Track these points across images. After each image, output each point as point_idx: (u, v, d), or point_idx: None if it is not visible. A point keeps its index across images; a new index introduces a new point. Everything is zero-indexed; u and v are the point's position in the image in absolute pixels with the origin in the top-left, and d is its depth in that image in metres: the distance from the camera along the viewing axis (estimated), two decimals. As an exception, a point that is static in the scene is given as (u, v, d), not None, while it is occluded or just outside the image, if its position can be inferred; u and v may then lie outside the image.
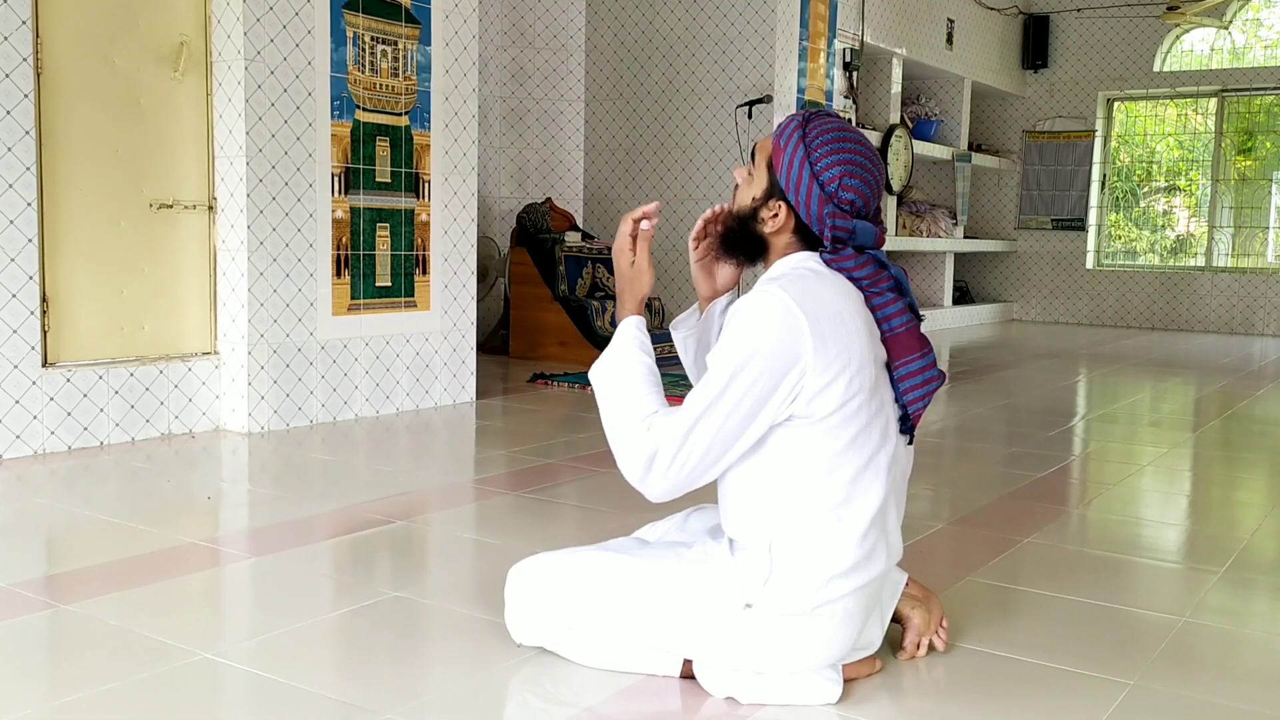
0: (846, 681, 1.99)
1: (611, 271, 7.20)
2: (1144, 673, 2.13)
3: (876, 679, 2.06)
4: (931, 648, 2.17)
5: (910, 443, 2.02)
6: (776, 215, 1.99)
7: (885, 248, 1.98)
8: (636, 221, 2.09)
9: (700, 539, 2.10)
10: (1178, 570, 2.93)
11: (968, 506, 3.50)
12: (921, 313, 2.02)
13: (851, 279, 1.95)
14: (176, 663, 2.07)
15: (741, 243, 2.04)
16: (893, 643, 2.18)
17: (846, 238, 1.94)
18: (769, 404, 1.85)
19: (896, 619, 2.17)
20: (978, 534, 3.16)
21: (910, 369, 1.95)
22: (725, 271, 2.18)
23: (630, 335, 2.05)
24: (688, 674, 2.01)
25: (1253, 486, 4.05)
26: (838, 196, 1.93)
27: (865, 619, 1.98)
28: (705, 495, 2.10)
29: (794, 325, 1.84)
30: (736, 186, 2.09)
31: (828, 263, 1.96)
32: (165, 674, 2.02)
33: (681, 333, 2.24)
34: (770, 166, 2.00)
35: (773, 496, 1.92)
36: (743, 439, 1.88)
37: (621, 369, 2.02)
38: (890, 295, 1.96)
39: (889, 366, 1.95)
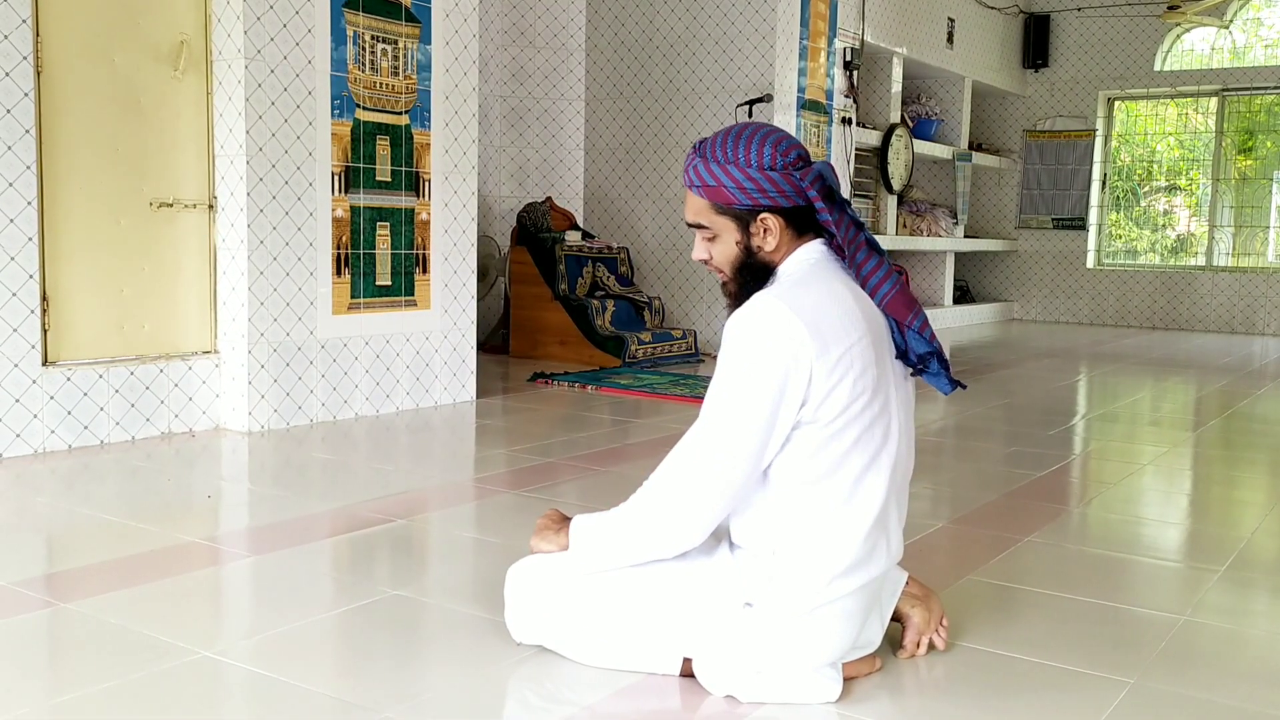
0: (846, 680, 1.99)
1: (611, 270, 7.21)
2: (1144, 672, 2.13)
3: (876, 677, 2.06)
4: (931, 646, 2.17)
5: (953, 385, 2.02)
6: (768, 228, 1.98)
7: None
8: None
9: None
10: (1178, 569, 2.93)
11: (968, 505, 3.50)
12: (900, 266, 2.04)
13: (839, 238, 1.95)
14: (176, 661, 2.07)
15: (757, 282, 2.01)
16: (893, 641, 2.18)
17: (823, 183, 1.95)
18: (780, 415, 1.85)
19: (896, 617, 2.17)
20: (978, 533, 3.16)
21: (920, 321, 1.97)
22: None
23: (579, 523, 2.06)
24: (687, 672, 2.01)
25: (1253, 485, 4.05)
26: (786, 162, 1.94)
27: (865, 618, 1.98)
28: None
29: (794, 332, 1.84)
30: (706, 261, 2.06)
31: (824, 224, 1.96)
32: (164, 672, 2.02)
33: None
34: (719, 208, 1.99)
35: (778, 501, 1.92)
36: (764, 453, 1.87)
37: (595, 520, 2.03)
38: (875, 258, 1.97)
39: (902, 326, 1.95)
